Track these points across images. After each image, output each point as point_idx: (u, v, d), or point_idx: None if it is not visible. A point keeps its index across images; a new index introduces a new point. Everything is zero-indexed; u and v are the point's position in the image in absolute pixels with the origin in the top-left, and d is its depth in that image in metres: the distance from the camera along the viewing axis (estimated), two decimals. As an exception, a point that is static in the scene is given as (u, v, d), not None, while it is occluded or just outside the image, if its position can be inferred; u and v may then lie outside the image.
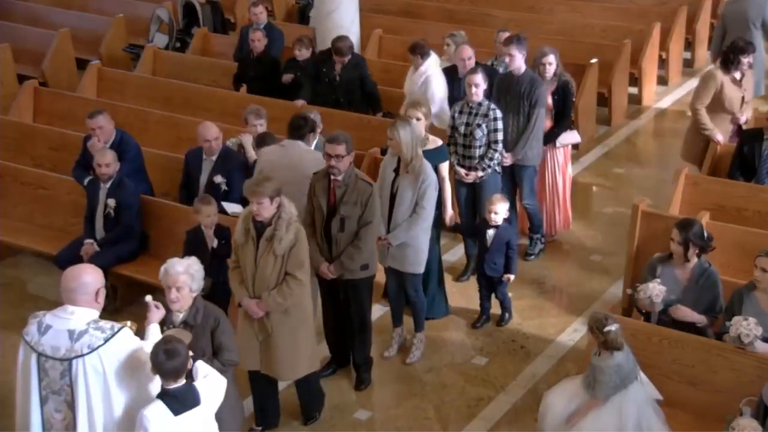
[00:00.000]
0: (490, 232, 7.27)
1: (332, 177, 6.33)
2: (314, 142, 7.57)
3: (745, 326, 5.66)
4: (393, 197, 6.77)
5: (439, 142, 7.37)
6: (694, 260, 6.18)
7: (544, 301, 7.97)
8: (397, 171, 6.80)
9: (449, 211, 7.41)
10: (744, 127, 8.24)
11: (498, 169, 7.81)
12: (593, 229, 9.09)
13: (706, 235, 6.22)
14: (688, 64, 12.89)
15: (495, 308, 7.71)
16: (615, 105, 11.17)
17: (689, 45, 12.83)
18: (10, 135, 9.59)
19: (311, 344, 6.25)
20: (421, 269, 6.95)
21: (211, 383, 4.79)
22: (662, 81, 12.30)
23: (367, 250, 6.44)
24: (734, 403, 5.52)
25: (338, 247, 6.41)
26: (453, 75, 8.90)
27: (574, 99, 8.64)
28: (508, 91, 8.05)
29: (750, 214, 7.50)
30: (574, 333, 7.52)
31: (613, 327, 5.47)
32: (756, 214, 7.48)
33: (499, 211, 7.23)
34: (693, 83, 12.40)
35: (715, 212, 7.36)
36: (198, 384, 4.71)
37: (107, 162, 7.58)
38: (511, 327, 7.62)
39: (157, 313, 5.10)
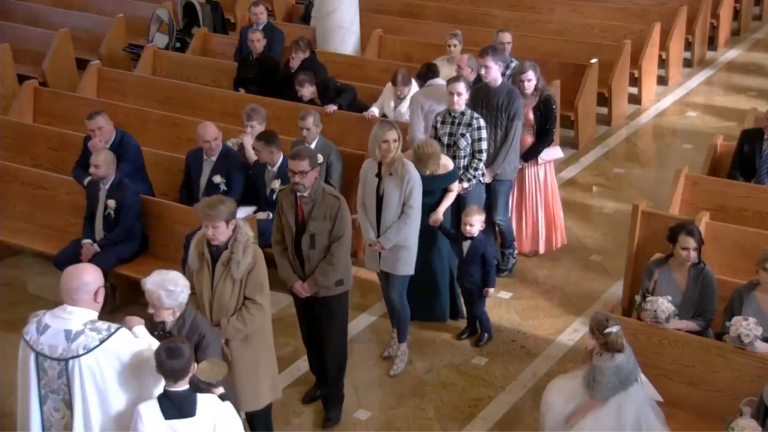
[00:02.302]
0: (466, 244, 7.23)
1: (298, 193, 6.11)
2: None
3: (745, 326, 5.67)
4: (379, 200, 6.69)
5: (450, 167, 7.27)
6: (696, 260, 6.19)
7: (544, 301, 7.97)
8: (378, 175, 6.71)
9: (438, 214, 7.24)
10: None
11: (483, 180, 7.71)
12: (593, 229, 9.09)
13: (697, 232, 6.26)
14: (688, 64, 12.90)
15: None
16: (615, 105, 11.16)
17: (689, 45, 12.83)
18: (10, 135, 9.59)
19: (273, 371, 5.99)
20: (412, 270, 6.90)
21: (225, 425, 4.71)
22: (662, 81, 12.30)
23: (340, 265, 6.20)
24: (734, 403, 5.53)
25: (310, 264, 6.19)
26: None
27: (556, 114, 8.42)
28: (484, 104, 7.82)
29: (750, 214, 7.50)
30: (574, 333, 7.52)
31: (614, 329, 5.46)
32: (756, 214, 7.47)
33: (474, 223, 7.16)
34: (693, 83, 12.47)
35: (715, 212, 7.36)
36: (210, 416, 4.63)
37: (96, 163, 7.55)
38: (511, 327, 7.62)
39: (133, 320, 4.97)
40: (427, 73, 8.52)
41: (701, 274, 6.19)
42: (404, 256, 6.80)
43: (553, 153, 8.40)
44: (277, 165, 7.79)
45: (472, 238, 7.18)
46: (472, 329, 7.48)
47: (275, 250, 6.35)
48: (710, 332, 6.18)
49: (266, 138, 7.74)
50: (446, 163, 7.25)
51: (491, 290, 7.33)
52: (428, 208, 7.20)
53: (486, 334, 7.41)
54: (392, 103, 9.18)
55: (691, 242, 6.13)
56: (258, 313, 5.60)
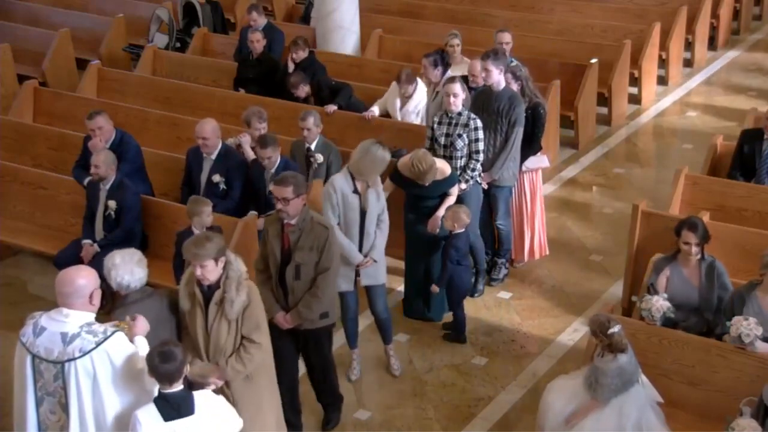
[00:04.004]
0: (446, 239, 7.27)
1: (285, 221, 5.86)
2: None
3: (745, 326, 5.66)
4: (361, 215, 6.57)
5: (448, 172, 7.24)
6: (699, 256, 6.20)
7: (544, 301, 7.97)
8: (354, 189, 6.56)
9: (436, 220, 7.26)
10: None
11: (480, 180, 7.68)
12: (593, 229, 9.09)
13: (701, 226, 6.25)
14: (688, 64, 12.90)
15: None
16: (615, 105, 11.16)
17: (689, 45, 12.83)
18: (10, 135, 9.59)
19: (278, 408, 5.71)
20: (385, 278, 6.90)
21: (223, 418, 4.73)
22: (662, 81, 12.30)
23: (326, 297, 5.97)
24: (734, 403, 5.53)
25: (295, 296, 5.94)
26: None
27: (544, 122, 8.23)
28: (485, 108, 7.72)
29: (750, 214, 7.50)
30: (574, 333, 7.52)
31: (616, 329, 5.47)
32: (756, 214, 7.48)
33: (447, 217, 7.18)
34: (693, 83, 12.47)
35: (715, 212, 7.37)
36: (209, 411, 4.64)
37: (96, 163, 7.53)
38: (511, 327, 7.62)
39: (139, 325, 4.93)
40: (445, 57, 8.44)
41: (712, 268, 6.20)
42: (381, 265, 6.78)
43: (538, 161, 8.22)
44: (275, 167, 7.72)
45: (450, 233, 7.19)
46: (454, 327, 7.50)
47: (257, 279, 5.98)
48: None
49: (269, 142, 7.65)
50: (443, 169, 7.21)
51: (436, 288, 7.28)
52: (429, 211, 7.20)
53: (453, 333, 7.42)
54: (398, 103, 9.17)
55: (692, 237, 6.14)
56: (257, 353, 5.29)
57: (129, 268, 5.22)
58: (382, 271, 6.82)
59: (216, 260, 5.11)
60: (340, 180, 6.60)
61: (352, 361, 7.06)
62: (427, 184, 7.10)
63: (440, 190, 7.25)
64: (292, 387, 6.28)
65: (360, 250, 6.62)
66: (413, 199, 7.38)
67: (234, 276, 5.16)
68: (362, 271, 6.68)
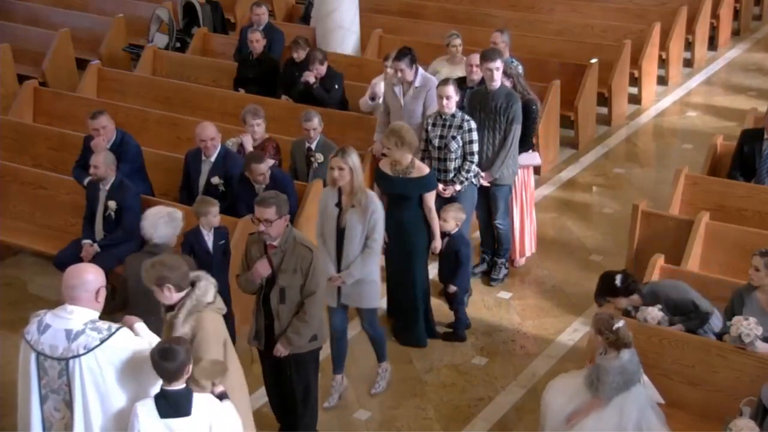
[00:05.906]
0: (443, 241, 7.21)
1: (267, 242, 5.70)
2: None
3: (745, 326, 5.67)
4: (340, 232, 6.33)
5: (425, 171, 7.03)
6: (635, 297, 6.13)
7: (544, 301, 7.97)
8: (339, 205, 6.32)
9: (437, 241, 7.16)
10: None
11: (474, 181, 7.63)
12: (593, 229, 9.09)
13: (619, 283, 6.07)
14: (688, 64, 12.90)
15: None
16: (615, 105, 11.16)
17: (689, 45, 12.83)
18: (10, 135, 9.59)
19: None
20: (378, 303, 6.63)
21: (228, 421, 4.71)
22: (662, 81, 12.30)
23: (315, 322, 5.78)
24: (734, 403, 5.53)
25: (281, 321, 5.78)
26: (461, 85, 8.23)
27: (537, 119, 8.22)
28: (483, 107, 7.69)
29: (750, 214, 7.51)
30: (574, 333, 7.52)
31: (620, 323, 5.49)
32: (756, 214, 7.48)
33: (449, 219, 7.15)
34: (693, 83, 12.47)
35: (715, 212, 7.37)
36: (207, 416, 4.61)
37: (96, 164, 7.51)
38: (511, 327, 7.62)
39: (131, 318, 4.94)
40: (414, 56, 8.16)
41: (655, 297, 6.12)
42: (368, 290, 6.48)
43: (529, 158, 8.18)
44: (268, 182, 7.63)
45: (449, 235, 7.19)
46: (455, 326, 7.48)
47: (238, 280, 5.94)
48: (710, 333, 6.17)
49: (256, 161, 7.43)
50: (421, 166, 7.07)
51: (455, 288, 7.27)
52: (407, 221, 7.00)
53: (459, 334, 7.41)
54: (381, 85, 8.98)
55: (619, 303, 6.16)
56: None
57: (154, 223, 6.20)
58: (367, 295, 6.50)
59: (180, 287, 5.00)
60: (327, 190, 6.46)
61: (330, 388, 6.73)
62: (408, 157, 6.87)
63: (417, 188, 6.98)
64: (281, 394, 6.22)
65: (339, 266, 6.39)
66: (393, 200, 7.08)
67: (189, 304, 4.97)
68: (342, 289, 6.44)
